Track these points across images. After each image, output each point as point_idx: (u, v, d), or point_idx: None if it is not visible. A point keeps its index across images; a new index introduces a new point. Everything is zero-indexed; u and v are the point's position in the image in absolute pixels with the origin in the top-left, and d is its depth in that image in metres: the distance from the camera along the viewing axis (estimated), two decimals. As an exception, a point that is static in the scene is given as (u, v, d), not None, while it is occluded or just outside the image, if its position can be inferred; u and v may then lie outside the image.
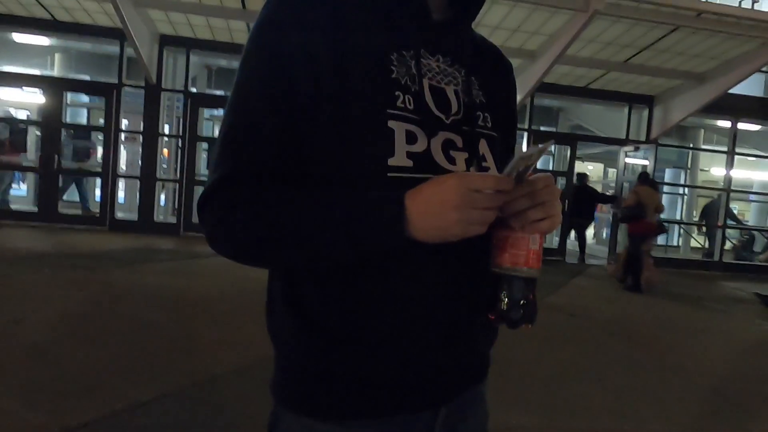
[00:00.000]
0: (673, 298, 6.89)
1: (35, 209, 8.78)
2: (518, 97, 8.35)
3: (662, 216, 7.45)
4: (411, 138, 0.67)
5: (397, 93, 0.68)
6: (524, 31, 7.60)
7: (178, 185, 9.00)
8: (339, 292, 0.68)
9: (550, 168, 12.51)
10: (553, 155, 12.80)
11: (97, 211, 8.80)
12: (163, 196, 9.58)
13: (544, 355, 3.71)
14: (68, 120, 9.83)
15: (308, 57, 0.66)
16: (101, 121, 8.94)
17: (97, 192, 9.27)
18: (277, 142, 0.66)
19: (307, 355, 0.70)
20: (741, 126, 10.36)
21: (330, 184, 0.66)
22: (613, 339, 4.54)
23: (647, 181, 7.41)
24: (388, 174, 0.65)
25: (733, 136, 10.31)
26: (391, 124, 0.66)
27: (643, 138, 9.85)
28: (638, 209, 7.00)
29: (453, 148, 0.71)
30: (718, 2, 7.43)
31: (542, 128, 11.22)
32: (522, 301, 0.66)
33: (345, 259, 0.64)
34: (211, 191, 0.67)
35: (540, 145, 0.61)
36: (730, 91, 8.39)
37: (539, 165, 0.71)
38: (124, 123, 9.33)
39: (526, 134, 9.66)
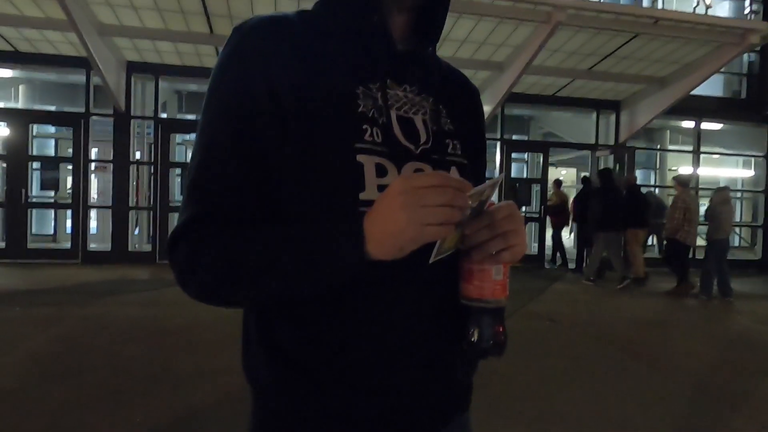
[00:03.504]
0: (647, 295, 7.01)
1: (2, 245, 8.51)
2: (489, 108, 8.51)
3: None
4: (381, 171, 0.66)
5: (364, 126, 0.67)
6: (491, 44, 7.75)
7: (152, 213, 8.83)
8: (315, 330, 0.67)
9: (524, 175, 12.70)
10: (527, 162, 12.99)
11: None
12: (137, 225, 9.38)
13: (526, 364, 3.72)
14: (35, 152, 9.60)
15: (272, 95, 0.65)
16: (70, 151, 8.75)
17: (68, 224, 9.03)
18: (243, 182, 0.65)
19: (286, 397, 0.69)
20: (704, 126, 10.71)
21: (302, 221, 0.65)
22: (593, 342, 4.58)
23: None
24: (360, 209, 0.64)
25: (698, 135, 10.64)
26: (359, 158, 0.65)
27: (611, 142, 10.09)
28: (562, 205, 9.87)
29: None
30: (674, 9, 7.71)
31: (514, 137, 11.39)
32: (490, 332, 0.66)
33: (311, 289, 0.63)
34: (178, 234, 0.66)
35: (491, 180, 0.62)
36: (692, 92, 8.68)
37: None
38: (94, 152, 9.15)
39: (499, 143, 9.79)
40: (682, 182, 7.19)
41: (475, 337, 0.66)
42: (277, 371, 0.69)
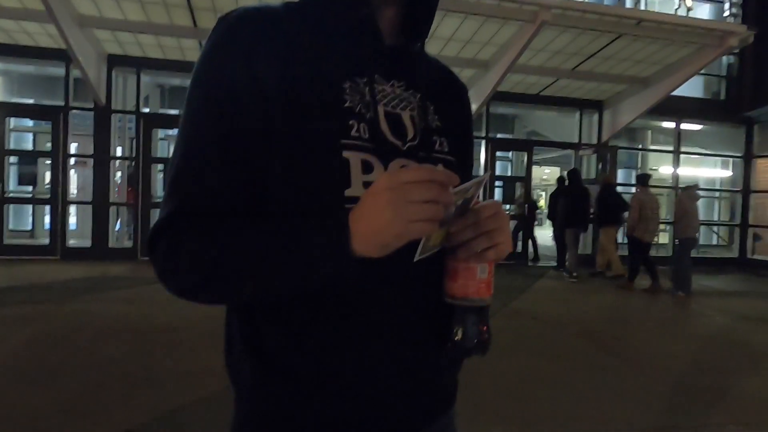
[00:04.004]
0: (628, 293, 7.11)
1: (-22, 241, 8.30)
2: (474, 106, 8.53)
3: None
4: (367, 167, 0.65)
5: (351, 122, 0.66)
6: (476, 42, 7.78)
7: (133, 209, 8.69)
8: (298, 332, 0.66)
9: (509, 173, 12.80)
10: (511, 161, 13.09)
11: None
12: (118, 221, 9.23)
13: (509, 362, 3.75)
14: (12, 146, 9.38)
15: (256, 89, 0.63)
16: (48, 145, 8.56)
17: (47, 219, 8.84)
18: (227, 177, 0.64)
19: (268, 399, 0.68)
20: (684, 126, 10.90)
21: (286, 218, 0.64)
22: (575, 340, 4.63)
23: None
24: (346, 205, 0.62)
25: (678, 135, 10.83)
26: (345, 154, 0.64)
27: (594, 141, 10.21)
28: (534, 204, 10.57)
29: None
30: (656, 11, 7.82)
31: (499, 135, 11.46)
32: (474, 330, 0.66)
33: (297, 288, 0.62)
34: (159, 228, 0.64)
35: (477, 178, 0.61)
36: (673, 93, 8.83)
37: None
38: (73, 147, 8.97)
39: (483, 142, 9.84)
40: (640, 181, 7.52)
41: (459, 336, 0.66)
42: (260, 372, 0.67)
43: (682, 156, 10.96)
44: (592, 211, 8.45)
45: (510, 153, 12.81)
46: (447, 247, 0.64)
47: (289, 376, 0.66)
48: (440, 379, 0.76)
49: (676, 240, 7.26)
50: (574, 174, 8.56)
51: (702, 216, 13.98)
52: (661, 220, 8.07)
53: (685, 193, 7.24)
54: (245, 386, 0.70)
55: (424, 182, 0.55)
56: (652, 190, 7.72)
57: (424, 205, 0.54)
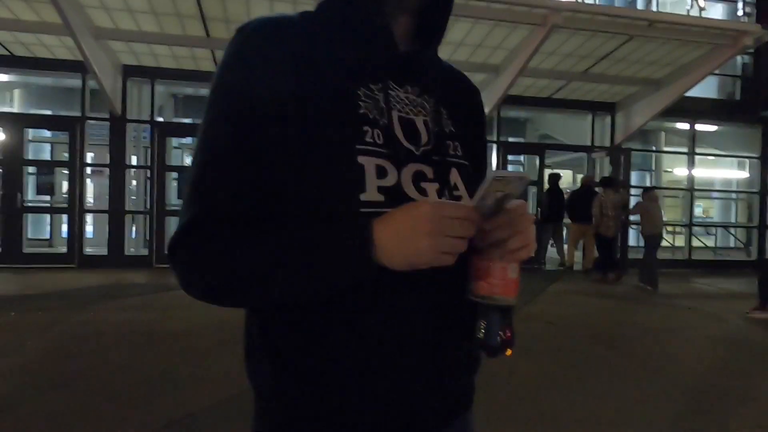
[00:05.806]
0: (647, 298, 7.03)
1: (-2, 250, 8.46)
2: (485, 110, 8.51)
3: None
4: (381, 172, 0.67)
5: (365, 128, 0.68)
6: (487, 46, 7.78)
7: (148, 216, 8.80)
8: (315, 334, 0.67)
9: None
10: (523, 165, 13.01)
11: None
12: (134, 229, 9.35)
13: (524, 366, 3.72)
14: (30, 156, 9.56)
15: (274, 97, 0.65)
16: (66, 155, 8.71)
17: (64, 228, 8.97)
18: (245, 183, 0.66)
19: (287, 400, 0.69)
20: (699, 127, 10.77)
21: (304, 223, 0.65)
22: (591, 345, 4.59)
23: None
24: (361, 210, 0.64)
25: (692, 137, 10.70)
26: (360, 159, 0.66)
27: (607, 144, 10.12)
28: None
29: (424, 179, 0.71)
30: (668, 12, 7.75)
31: (510, 139, 11.42)
32: (500, 330, 0.66)
33: (317, 293, 0.64)
34: (180, 235, 0.66)
35: (519, 173, 0.61)
36: (687, 94, 8.72)
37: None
38: (90, 156, 9.12)
39: (495, 146, 9.81)
40: (602, 183, 8.40)
41: (481, 334, 0.66)
42: (278, 373, 0.69)
43: (697, 157, 10.82)
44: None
45: (522, 156, 12.74)
46: (476, 246, 0.64)
47: (307, 377, 0.67)
48: (458, 381, 0.77)
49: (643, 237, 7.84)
50: (553, 178, 9.65)
51: (719, 218, 13.88)
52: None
53: (646, 195, 7.82)
54: (264, 387, 0.71)
55: (463, 219, 0.59)
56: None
57: (457, 240, 0.59)
